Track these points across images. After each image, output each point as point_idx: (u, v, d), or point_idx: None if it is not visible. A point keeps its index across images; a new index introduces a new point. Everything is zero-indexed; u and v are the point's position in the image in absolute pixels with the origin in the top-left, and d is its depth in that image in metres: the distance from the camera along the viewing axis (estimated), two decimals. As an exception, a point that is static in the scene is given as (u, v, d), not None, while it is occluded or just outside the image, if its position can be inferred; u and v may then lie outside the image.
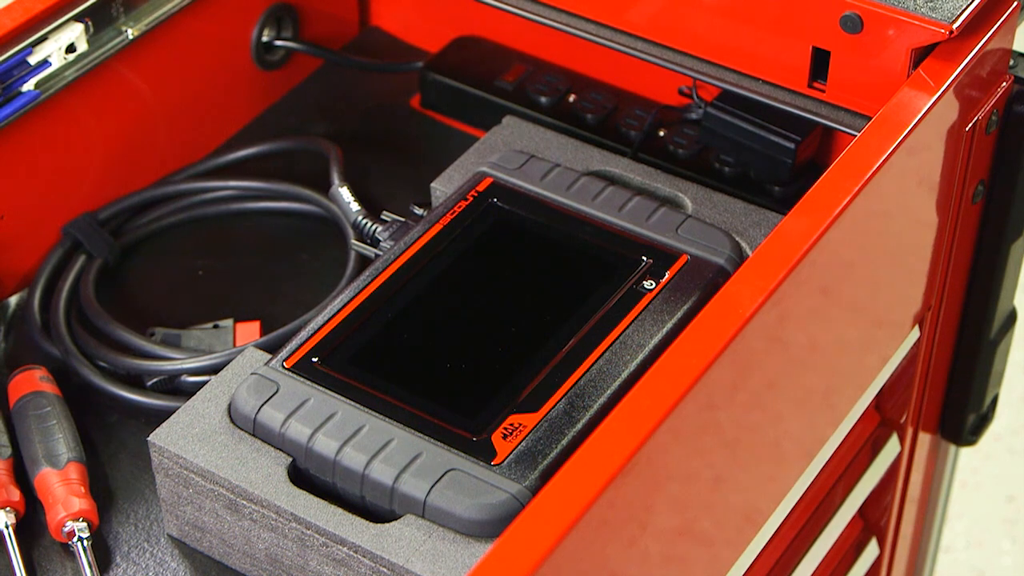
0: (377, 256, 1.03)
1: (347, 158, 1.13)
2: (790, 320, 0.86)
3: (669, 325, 0.94)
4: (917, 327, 1.05)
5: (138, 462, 0.97)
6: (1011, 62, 1.02)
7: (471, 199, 1.02)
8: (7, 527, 0.92)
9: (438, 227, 1.00)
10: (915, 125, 0.91)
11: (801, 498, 0.97)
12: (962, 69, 0.95)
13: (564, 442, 0.87)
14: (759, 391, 0.87)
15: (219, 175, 1.15)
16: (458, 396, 0.91)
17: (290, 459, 0.88)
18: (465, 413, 0.89)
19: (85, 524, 0.92)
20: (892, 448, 1.09)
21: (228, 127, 1.20)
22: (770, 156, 1.07)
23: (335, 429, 0.88)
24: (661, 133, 1.14)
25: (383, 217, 1.06)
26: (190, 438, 0.89)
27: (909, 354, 1.05)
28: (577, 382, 0.90)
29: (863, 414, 1.03)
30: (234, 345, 1.03)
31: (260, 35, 1.20)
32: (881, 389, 1.04)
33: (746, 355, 0.82)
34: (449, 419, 0.88)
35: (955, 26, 0.95)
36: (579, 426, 0.88)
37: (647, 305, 0.95)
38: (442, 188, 1.06)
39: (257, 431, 0.89)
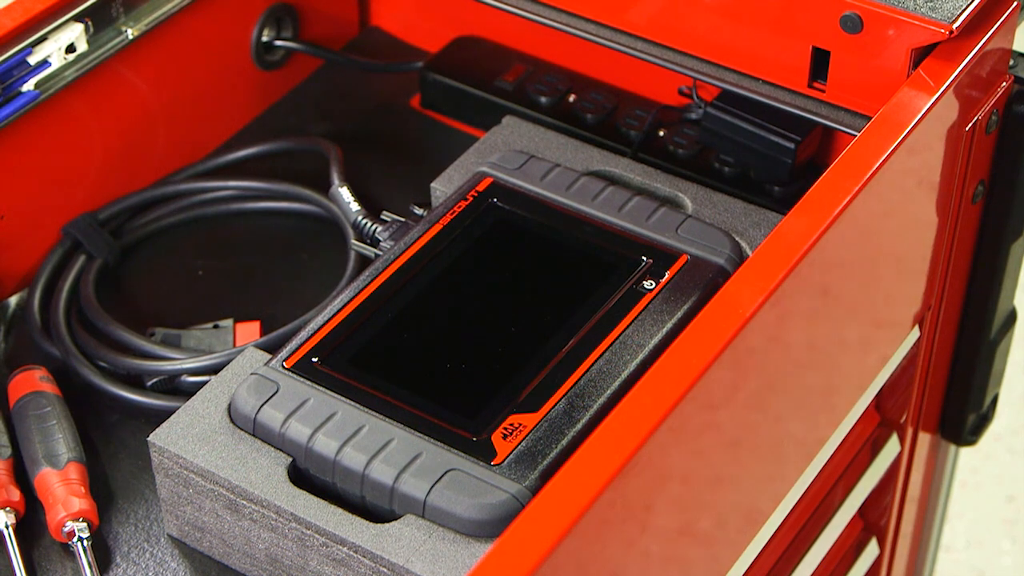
0: (377, 256, 1.03)
1: (347, 158, 1.13)
2: (790, 320, 0.86)
3: (669, 325, 0.94)
4: (917, 327, 1.05)
5: (138, 462, 0.97)
6: (1011, 62, 1.02)
7: (471, 199, 1.02)
8: (7, 527, 0.92)
9: (438, 227, 1.00)
10: (915, 125, 0.91)
11: (801, 498, 0.97)
12: (962, 69, 0.95)
13: (564, 442, 0.87)
14: (759, 391, 0.87)
15: (219, 175, 1.15)
16: (458, 396, 0.91)
17: (290, 459, 0.88)
18: (465, 413, 0.89)
19: (85, 524, 0.92)
20: (892, 448, 1.09)
21: (228, 127, 1.20)
22: (770, 156, 1.07)
23: (335, 429, 0.88)
24: (661, 133, 1.14)
25: (383, 217, 1.06)
26: (190, 438, 0.89)
27: (909, 354, 1.05)
28: (577, 382, 0.90)
29: (863, 414, 1.03)
30: (234, 345, 1.03)
31: (260, 35, 1.20)
32: (881, 389, 1.04)
33: (746, 355, 0.82)
34: (449, 419, 0.89)
35: (955, 26, 0.95)
36: (579, 426, 0.88)
37: (647, 305, 0.95)
38: (442, 188, 1.06)
39: (257, 431, 0.89)
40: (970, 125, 0.98)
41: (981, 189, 1.04)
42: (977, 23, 0.97)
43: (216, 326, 1.05)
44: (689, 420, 0.79)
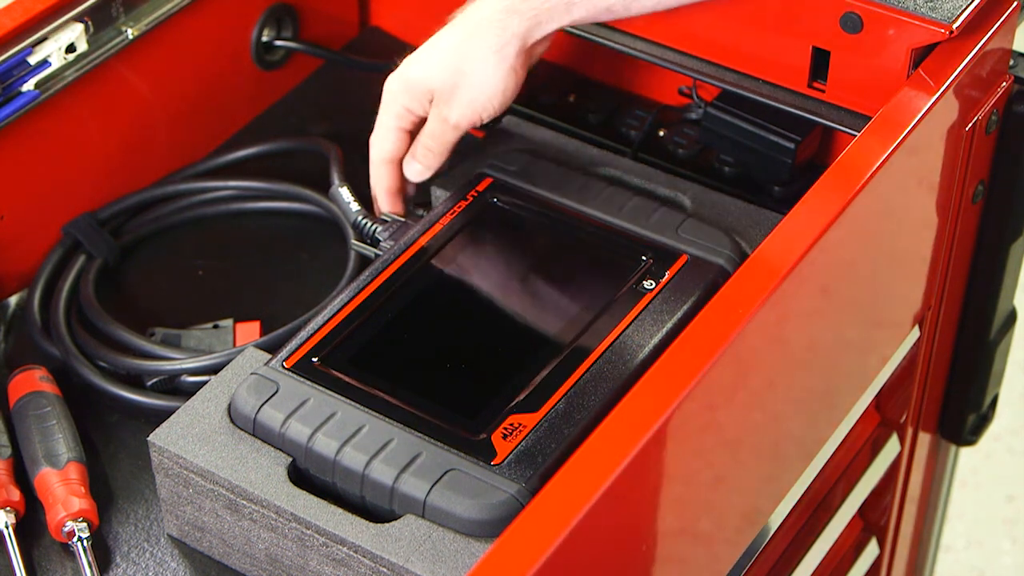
0: (377, 256, 1.03)
1: (347, 158, 1.13)
2: (790, 320, 0.86)
3: (669, 325, 0.94)
4: (917, 327, 1.05)
5: (138, 462, 0.97)
6: (1011, 62, 1.02)
7: (471, 199, 1.02)
8: (7, 527, 0.92)
9: (438, 227, 1.00)
10: (915, 125, 0.91)
11: (801, 498, 0.97)
12: (962, 69, 0.95)
13: (564, 442, 0.87)
14: (759, 391, 0.87)
15: (219, 175, 1.15)
16: (458, 396, 0.91)
17: (290, 459, 0.88)
18: (465, 413, 0.89)
19: (85, 524, 0.92)
20: (892, 448, 1.08)
21: (228, 127, 1.20)
22: (770, 156, 1.07)
23: (335, 429, 0.88)
24: (661, 133, 1.14)
25: (383, 217, 1.06)
26: (190, 438, 0.89)
27: (909, 354, 1.05)
28: (577, 382, 0.90)
29: (863, 414, 1.03)
30: (234, 345, 1.03)
31: (260, 35, 1.20)
32: (881, 389, 1.04)
33: (746, 355, 0.82)
34: (449, 419, 0.88)
35: (955, 26, 0.95)
36: (579, 426, 0.88)
37: (647, 305, 0.95)
38: (442, 188, 1.06)
39: (257, 431, 0.89)
40: (970, 125, 0.98)
41: (981, 189, 1.04)
42: (977, 23, 0.97)
43: (216, 326, 1.05)
44: (689, 420, 0.79)
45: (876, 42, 0.97)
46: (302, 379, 0.90)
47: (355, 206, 1.08)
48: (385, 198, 1.05)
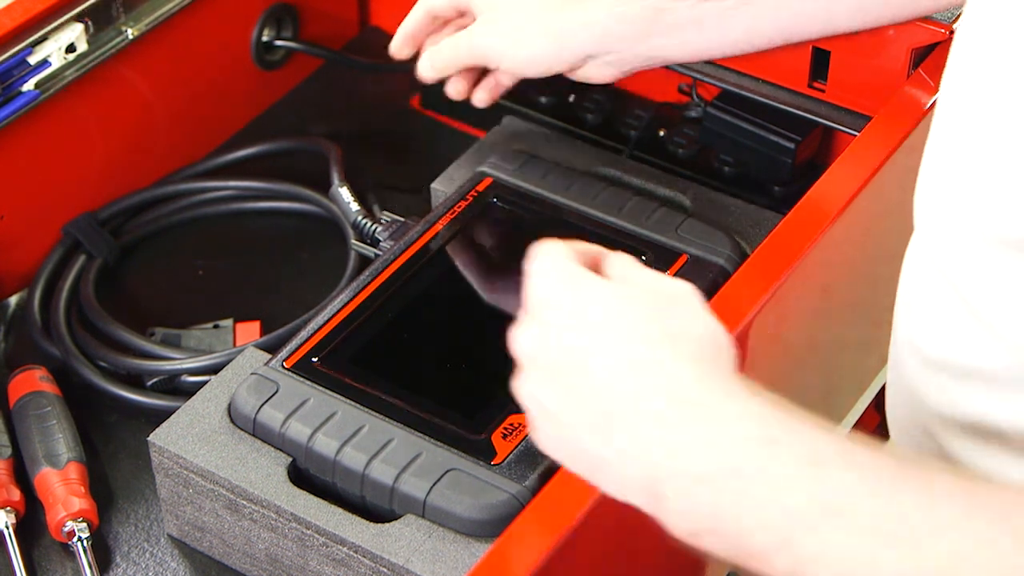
0: (377, 256, 1.03)
1: (347, 158, 1.13)
2: (790, 320, 0.86)
3: (669, 325, 0.93)
4: (917, 327, 1.05)
5: (138, 462, 0.97)
6: (1011, 62, 1.02)
7: (471, 199, 1.02)
8: (7, 527, 0.92)
9: (438, 227, 1.00)
10: (915, 125, 0.91)
11: (801, 498, 0.97)
12: (962, 69, 0.95)
13: (564, 442, 0.87)
14: (759, 391, 0.86)
15: (219, 175, 1.15)
16: (458, 396, 0.91)
17: (290, 459, 0.88)
18: (465, 413, 0.89)
19: (85, 524, 0.91)
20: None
21: (228, 127, 1.20)
22: (770, 156, 1.07)
23: (335, 429, 0.88)
24: (661, 133, 1.14)
25: (383, 217, 1.06)
26: (190, 438, 0.89)
27: (909, 354, 1.05)
28: (577, 382, 0.90)
29: (863, 414, 1.03)
30: (234, 345, 1.03)
31: (260, 35, 1.20)
32: (881, 389, 1.04)
33: (746, 355, 0.82)
34: (449, 419, 0.88)
35: (955, 26, 0.94)
36: (579, 426, 0.88)
37: (647, 305, 0.94)
38: (442, 188, 1.06)
39: (257, 431, 0.89)
40: (970, 125, 0.98)
41: (981, 189, 1.04)
42: (977, 23, 0.96)
43: (216, 326, 1.05)
44: (689, 420, 0.79)
45: (876, 42, 0.97)
46: (302, 379, 0.90)
47: (355, 206, 1.08)
48: (399, 34, 1.03)
